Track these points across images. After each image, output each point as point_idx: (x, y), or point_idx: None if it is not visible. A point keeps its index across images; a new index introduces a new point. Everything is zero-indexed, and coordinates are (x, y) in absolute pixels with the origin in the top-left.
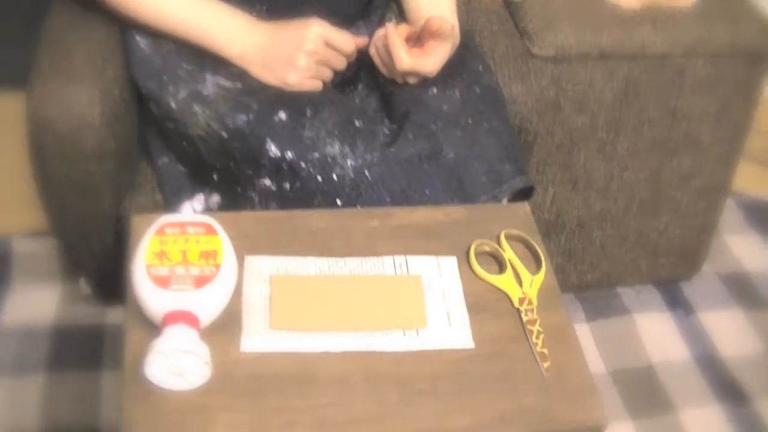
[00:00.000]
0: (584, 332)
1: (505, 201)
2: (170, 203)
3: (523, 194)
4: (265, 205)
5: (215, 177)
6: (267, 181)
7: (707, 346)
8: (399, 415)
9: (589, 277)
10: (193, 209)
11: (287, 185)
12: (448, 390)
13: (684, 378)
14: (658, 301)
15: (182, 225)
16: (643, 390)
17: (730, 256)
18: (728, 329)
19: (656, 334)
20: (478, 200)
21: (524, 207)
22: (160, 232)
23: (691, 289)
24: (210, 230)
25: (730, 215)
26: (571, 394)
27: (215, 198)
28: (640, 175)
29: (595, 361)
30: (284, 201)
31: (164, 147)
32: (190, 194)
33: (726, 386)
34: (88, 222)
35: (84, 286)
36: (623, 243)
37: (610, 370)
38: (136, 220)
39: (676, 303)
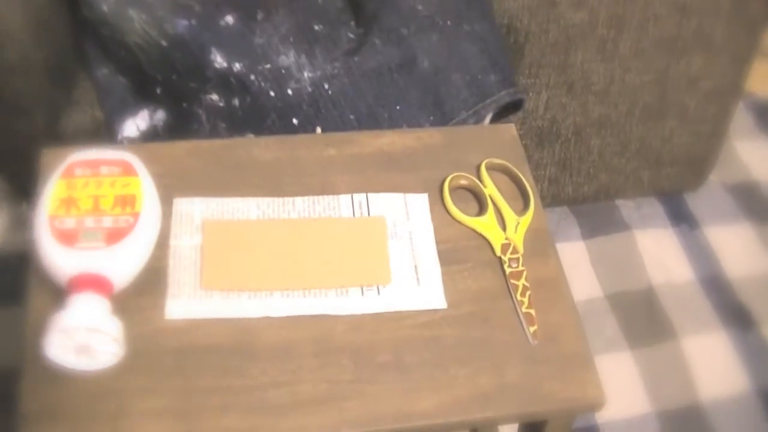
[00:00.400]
0: (580, 251)
1: (488, 118)
2: (111, 120)
3: (511, 109)
4: (213, 123)
5: (158, 91)
6: (214, 96)
7: (713, 265)
8: (355, 395)
9: (586, 189)
10: (137, 127)
11: (236, 101)
12: (415, 362)
13: (687, 301)
14: (660, 215)
15: (95, 164)
16: (643, 315)
17: (740, 164)
18: (735, 246)
19: (658, 252)
20: (457, 117)
21: (510, 129)
22: (68, 173)
23: (697, 202)
24: (128, 170)
25: (740, 119)
26: (562, 365)
27: (160, 114)
28: (644, 78)
29: (591, 284)
30: (234, 119)
31: (103, 57)
32: (133, 110)
33: (732, 310)
34: (22, 144)
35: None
36: (624, 152)
37: (607, 294)
38: (44, 157)
39: (680, 217)
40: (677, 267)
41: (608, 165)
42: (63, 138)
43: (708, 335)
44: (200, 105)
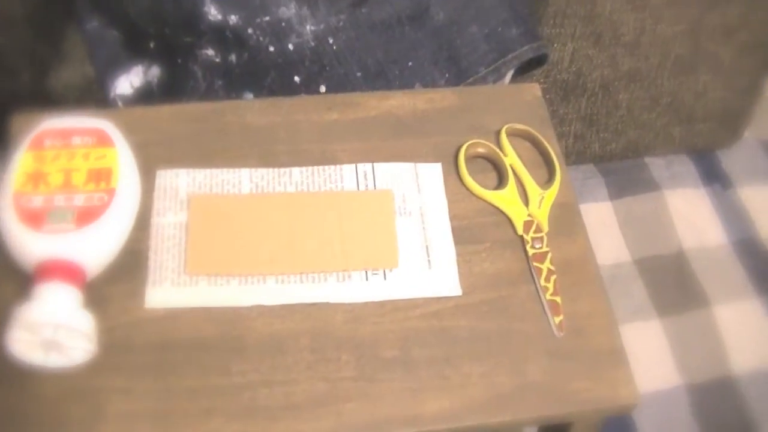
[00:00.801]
0: (607, 212)
1: (509, 76)
2: (103, 77)
3: (534, 65)
4: (209, 81)
5: (152, 45)
6: (210, 52)
7: (747, 228)
8: (356, 395)
9: (614, 146)
10: (130, 84)
11: (233, 57)
12: (424, 358)
13: (719, 266)
14: (692, 174)
15: (66, 134)
16: (673, 281)
17: None
18: None
19: (689, 213)
20: (475, 74)
21: (533, 89)
22: (37, 144)
23: (730, 160)
24: (103, 139)
25: None
26: (591, 361)
27: (154, 71)
28: (677, 28)
29: (618, 248)
30: (231, 77)
31: (92, 8)
32: (125, 66)
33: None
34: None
35: None
36: (654, 107)
37: (635, 258)
38: (16, 123)
39: (713, 176)
40: (709, 230)
41: (637, 120)
42: (52, 97)
43: (741, 303)
44: (195, 61)
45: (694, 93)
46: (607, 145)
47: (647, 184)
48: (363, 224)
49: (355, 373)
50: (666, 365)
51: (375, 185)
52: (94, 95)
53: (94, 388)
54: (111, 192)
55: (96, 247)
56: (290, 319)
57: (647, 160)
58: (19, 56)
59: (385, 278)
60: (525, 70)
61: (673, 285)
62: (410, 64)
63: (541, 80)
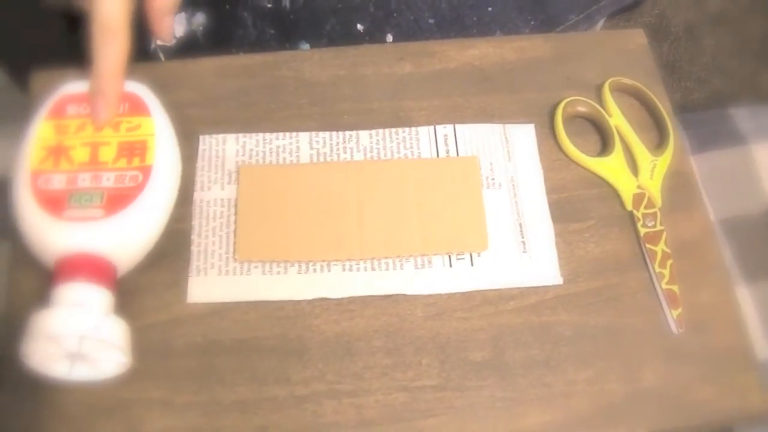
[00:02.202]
0: None
1: (600, 24)
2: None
3: (624, 10)
4: (260, 29)
5: None
6: None
7: None
8: (441, 408)
9: (696, 96)
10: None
11: (287, 2)
12: (521, 361)
13: None
14: None
15: None
16: (762, 244)
17: None
18: None
19: None
20: (564, 22)
21: (638, 36)
22: (57, 111)
23: None
24: (138, 106)
25: None
26: (714, 363)
27: (199, 18)
28: None
29: None
30: (285, 25)
31: None
32: None
33: None
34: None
35: None
36: (741, 52)
37: (720, 218)
38: (36, 81)
39: None
40: None
41: (722, 68)
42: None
43: None
44: (245, 6)
45: None
46: (689, 94)
47: (732, 137)
48: (445, 198)
49: (439, 380)
50: (755, 336)
51: (457, 151)
52: (133, 45)
53: (126, 401)
54: (146, 170)
55: (129, 238)
56: (360, 316)
57: (731, 111)
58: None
59: (472, 264)
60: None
61: (761, 248)
62: (490, 9)
63: (621, 23)
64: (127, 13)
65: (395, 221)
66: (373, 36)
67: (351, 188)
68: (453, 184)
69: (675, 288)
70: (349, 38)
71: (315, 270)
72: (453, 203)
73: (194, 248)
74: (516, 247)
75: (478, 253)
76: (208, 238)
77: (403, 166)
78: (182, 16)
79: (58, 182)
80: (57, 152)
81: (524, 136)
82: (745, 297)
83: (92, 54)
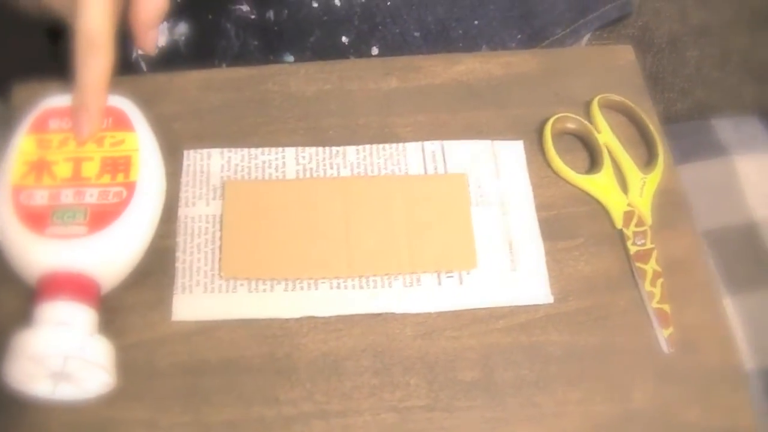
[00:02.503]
0: None
1: (586, 38)
2: (124, 35)
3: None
4: (243, 40)
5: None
6: (244, 7)
7: None
8: (430, 428)
9: (679, 107)
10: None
11: (271, 14)
12: (510, 381)
13: None
14: (763, 138)
15: None
16: (744, 256)
17: None
18: None
19: (761, 181)
20: (551, 36)
21: (626, 52)
22: (40, 125)
23: None
24: (121, 121)
25: None
26: (704, 383)
27: (182, 28)
28: None
29: None
30: (269, 36)
31: None
32: None
33: None
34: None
35: None
36: (724, 64)
37: (703, 230)
38: (18, 94)
39: None
40: None
41: (706, 79)
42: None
43: None
44: (228, 17)
45: None
46: (672, 105)
47: (714, 148)
48: (433, 216)
49: (427, 400)
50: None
51: (446, 167)
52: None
53: (110, 421)
54: (130, 186)
55: (113, 255)
56: (348, 335)
57: (714, 122)
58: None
59: (461, 282)
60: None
61: (743, 259)
62: (476, 22)
63: (605, 35)
64: (110, 26)
65: (383, 238)
66: (359, 49)
67: (338, 204)
68: (441, 201)
69: (666, 307)
70: (334, 51)
71: (302, 288)
72: (441, 221)
73: (179, 265)
74: (506, 266)
75: (468, 271)
76: (193, 255)
77: (390, 183)
78: (164, 25)
79: (40, 198)
80: (39, 167)
81: (513, 153)
82: (727, 308)
83: (75, 67)
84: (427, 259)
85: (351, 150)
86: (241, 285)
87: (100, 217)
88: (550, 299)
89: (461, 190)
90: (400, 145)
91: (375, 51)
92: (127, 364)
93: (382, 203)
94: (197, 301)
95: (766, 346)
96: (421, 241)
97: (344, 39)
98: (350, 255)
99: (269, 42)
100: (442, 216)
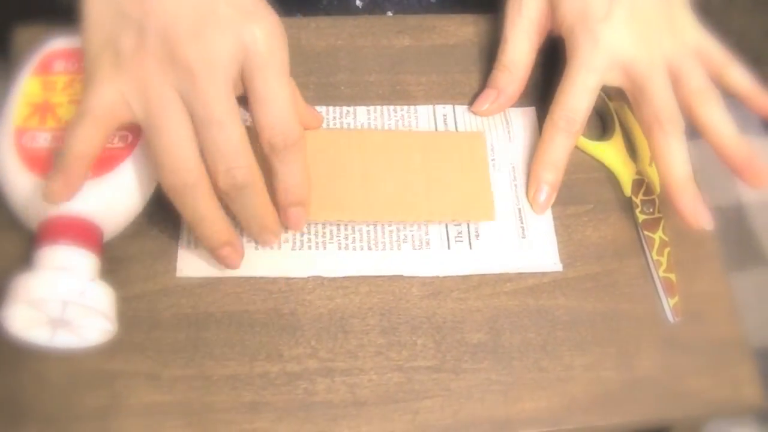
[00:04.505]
0: None
1: None
2: None
3: None
4: None
5: None
6: None
7: None
8: (436, 390)
9: None
10: None
11: None
12: (517, 345)
13: None
14: (754, 120)
15: (81, 54)
16: (731, 237)
17: None
18: None
19: None
20: None
21: None
22: (44, 67)
23: None
24: None
25: None
26: (710, 353)
27: None
28: None
29: None
30: None
31: None
32: None
33: None
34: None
35: None
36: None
37: None
38: (19, 37)
39: None
40: None
41: None
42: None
43: None
44: None
45: (765, 32)
46: None
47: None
48: (451, 170)
49: (434, 361)
50: None
51: (457, 130)
52: None
53: (110, 373)
54: (136, 130)
55: (116, 200)
56: (355, 292)
57: None
58: None
59: (471, 247)
60: None
61: (730, 241)
62: None
63: None
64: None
65: (401, 187)
66: (372, 12)
67: (356, 155)
68: (459, 157)
69: (672, 276)
70: (347, 13)
71: (310, 247)
72: (459, 175)
73: (184, 222)
74: (515, 232)
75: (477, 236)
76: None
77: (409, 137)
78: None
79: (43, 140)
80: (43, 109)
81: (525, 118)
82: None
83: (67, 133)
84: (445, 207)
85: (362, 110)
86: (249, 242)
87: (104, 161)
88: (559, 267)
89: (479, 147)
90: (412, 107)
91: (389, 15)
92: (129, 316)
93: (401, 156)
94: (203, 257)
95: (750, 326)
96: (439, 191)
97: (358, 2)
98: (367, 200)
99: (280, 3)
100: (460, 171)
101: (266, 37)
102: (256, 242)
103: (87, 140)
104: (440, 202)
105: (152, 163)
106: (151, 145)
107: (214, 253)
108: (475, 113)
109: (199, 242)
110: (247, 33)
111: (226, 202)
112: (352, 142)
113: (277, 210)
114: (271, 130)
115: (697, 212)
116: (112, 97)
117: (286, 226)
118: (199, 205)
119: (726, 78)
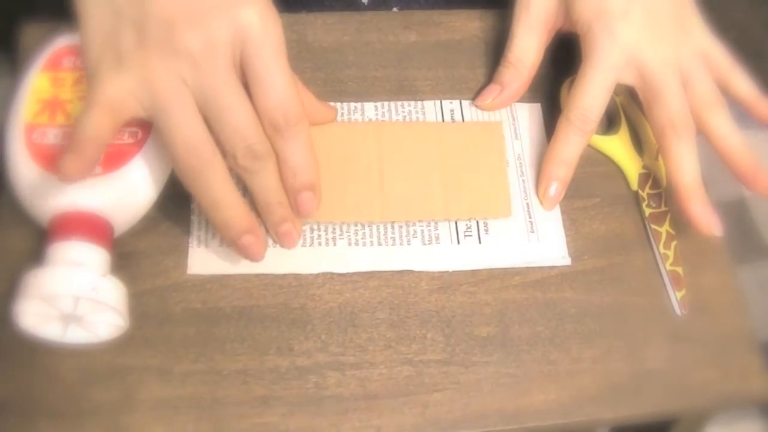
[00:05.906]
0: None
1: None
2: None
3: None
4: None
5: None
6: None
7: None
8: (446, 383)
9: None
10: None
11: None
12: (525, 338)
13: None
14: None
15: None
16: (733, 231)
17: None
18: None
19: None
20: None
21: None
22: (53, 63)
23: None
24: None
25: None
26: (717, 346)
27: None
28: None
29: None
30: None
31: None
32: None
33: None
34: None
35: None
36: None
37: None
38: (26, 35)
39: None
40: None
41: None
42: None
43: None
44: None
45: (765, 26)
46: None
47: None
48: (468, 163)
49: (444, 355)
50: None
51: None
52: None
53: (122, 368)
54: (145, 127)
55: (126, 196)
56: (364, 287)
57: None
58: None
59: (480, 242)
60: None
61: (732, 235)
62: None
63: None
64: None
65: (417, 184)
66: (378, 9)
67: (371, 149)
68: (476, 149)
69: (679, 269)
70: (352, 10)
71: (320, 243)
72: (476, 168)
73: (194, 218)
74: (524, 227)
75: (486, 230)
76: None
77: (425, 129)
78: None
79: (53, 137)
80: (53, 106)
81: (531, 114)
82: None
83: (76, 122)
84: (462, 205)
85: (369, 106)
86: None
87: (114, 157)
88: (568, 261)
89: (497, 137)
90: (419, 102)
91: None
92: (139, 311)
93: (417, 149)
94: (213, 254)
95: (757, 320)
96: (456, 188)
97: None
98: (383, 199)
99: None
100: (477, 163)
101: (261, 19)
102: (275, 240)
103: (97, 126)
104: (457, 201)
105: (165, 148)
106: (163, 131)
107: (235, 244)
108: (478, 107)
109: (217, 233)
110: (243, 16)
111: (245, 179)
112: (368, 134)
113: (288, 198)
114: (273, 111)
115: (706, 219)
116: (118, 95)
117: (297, 213)
118: (216, 185)
119: (730, 84)
